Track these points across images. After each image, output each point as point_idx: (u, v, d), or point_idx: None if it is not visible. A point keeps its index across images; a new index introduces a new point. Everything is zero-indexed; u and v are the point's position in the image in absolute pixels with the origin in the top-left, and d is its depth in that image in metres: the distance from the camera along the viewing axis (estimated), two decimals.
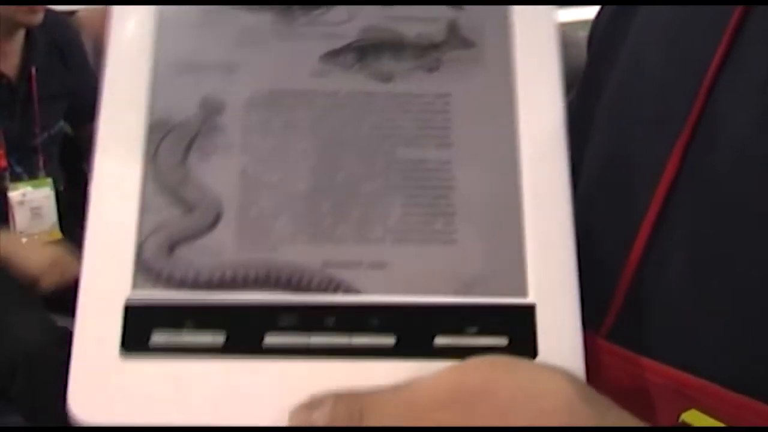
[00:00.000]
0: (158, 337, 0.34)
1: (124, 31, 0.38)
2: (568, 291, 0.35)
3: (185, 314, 0.34)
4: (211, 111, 0.37)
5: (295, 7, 0.38)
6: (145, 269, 0.35)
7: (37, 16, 1.73)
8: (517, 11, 0.39)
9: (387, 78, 0.37)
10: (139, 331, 0.34)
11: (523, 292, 0.35)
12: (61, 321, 1.70)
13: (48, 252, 1.69)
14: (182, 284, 0.34)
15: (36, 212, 1.79)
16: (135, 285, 0.34)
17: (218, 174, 0.36)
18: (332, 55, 0.37)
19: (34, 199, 1.79)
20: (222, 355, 0.34)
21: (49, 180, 1.81)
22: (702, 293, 0.39)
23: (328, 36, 0.38)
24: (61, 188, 1.86)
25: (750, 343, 0.37)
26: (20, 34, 1.77)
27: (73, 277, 1.66)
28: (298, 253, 0.35)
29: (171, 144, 0.36)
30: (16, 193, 1.78)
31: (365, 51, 0.38)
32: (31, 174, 1.81)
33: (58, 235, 1.79)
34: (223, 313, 0.34)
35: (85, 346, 0.34)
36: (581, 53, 0.52)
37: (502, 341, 0.34)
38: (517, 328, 0.34)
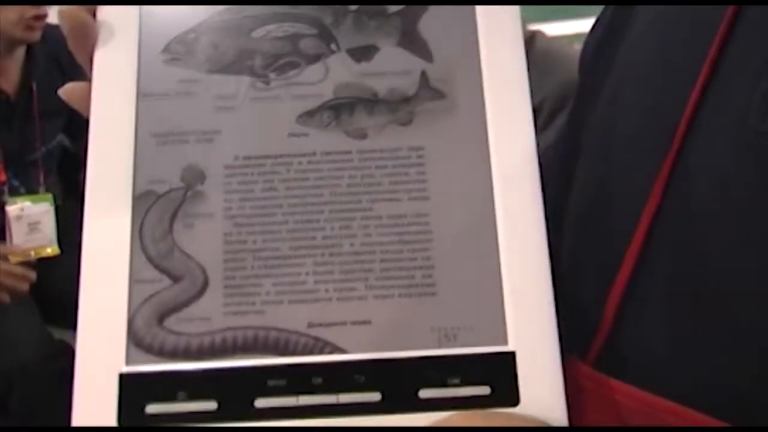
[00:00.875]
0: (153, 408, 0.35)
1: (105, 103, 0.39)
2: (548, 336, 0.36)
3: (177, 385, 0.35)
4: (193, 180, 0.38)
5: (270, 71, 0.39)
6: (136, 342, 0.36)
7: (35, 33, 1.74)
8: (486, 58, 0.39)
9: (362, 135, 0.38)
10: (134, 403, 0.35)
11: (503, 340, 0.36)
12: (58, 333, 1.70)
13: None
14: (173, 355, 0.36)
15: (34, 227, 1.79)
16: (128, 358, 0.36)
17: (202, 242, 0.37)
18: (308, 116, 0.38)
19: (32, 213, 1.79)
20: (215, 422, 0.35)
21: (49, 195, 1.81)
22: (683, 326, 0.40)
23: (303, 97, 0.39)
24: (60, 203, 1.86)
25: (730, 373, 0.38)
26: (20, 50, 1.78)
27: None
28: (284, 316, 0.36)
29: (156, 215, 0.37)
30: (14, 207, 1.78)
31: (340, 109, 0.39)
32: (29, 188, 1.82)
33: (56, 250, 1.79)
34: (213, 381, 0.35)
35: (83, 419, 0.35)
36: (575, 68, 0.53)
37: (484, 390, 0.35)
38: (498, 377, 0.36)
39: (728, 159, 0.39)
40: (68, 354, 1.70)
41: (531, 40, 2.01)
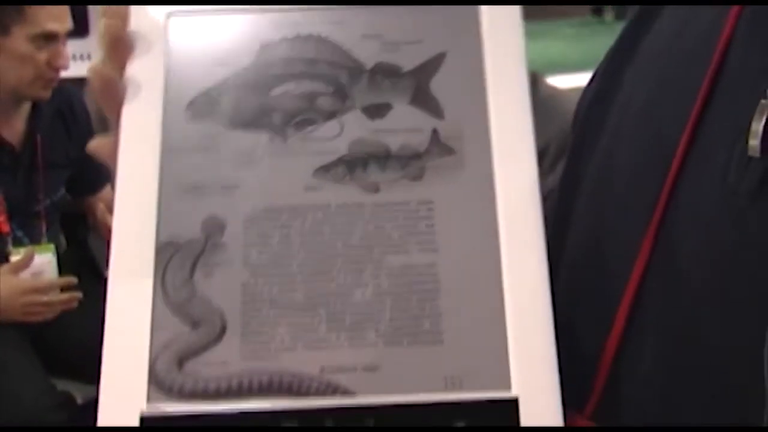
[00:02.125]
0: None
1: (132, 157, 0.41)
2: (550, 382, 0.38)
3: (196, 425, 0.37)
4: (213, 230, 0.39)
5: (288, 127, 0.41)
6: (157, 383, 0.37)
7: (47, 92, 1.77)
8: (494, 117, 0.41)
9: (374, 188, 0.40)
10: None
11: (507, 386, 0.37)
12: (61, 385, 1.70)
13: (5, 287, 1.70)
14: (192, 396, 0.37)
15: (37, 276, 1.81)
16: (149, 398, 0.37)
17: (222, 289, 0.39)
18: (324, 170, 0.40)
19: (35, 264, 1.81)
20: None
21: (52, 246, 1.83)
22: (676, 378, 0.41)
23: (319, 152, 0.40)
24: (61, 252, 1.88)
25: (722, 423, 0.39)
26: (27, 104, 1.81)
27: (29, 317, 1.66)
28: (298, 361, 0.38)
29: (178, 263, 0.39)
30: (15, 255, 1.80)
31: (354, 164, 0.40)
32: (32, 239, 1.83)
33: None
34: (230, 422, 0.37)
35: None
36: None
37: None
38: (502, 421, 0.37)
39: (711, 216, 0.41)
40: (71, 405, 1.70)
41: (534, 83, 2.03)
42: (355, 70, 0.42)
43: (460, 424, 0.37)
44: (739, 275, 0.39)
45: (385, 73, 0.42)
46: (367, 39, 0.42)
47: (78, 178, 1.89)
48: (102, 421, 0.37)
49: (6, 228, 1.80)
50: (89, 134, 1.89)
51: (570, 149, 0.53)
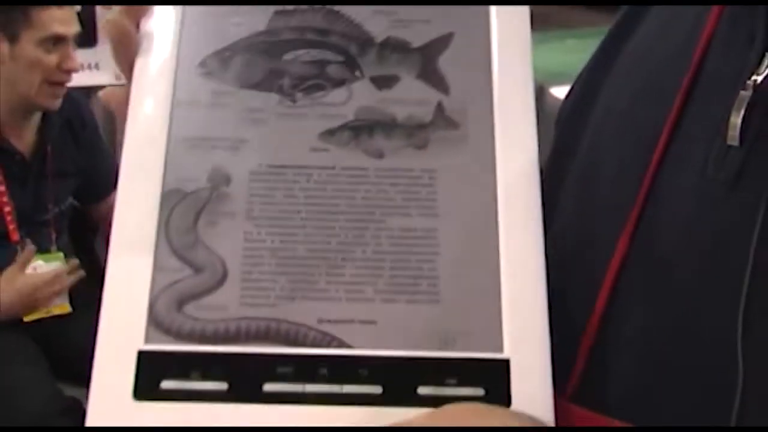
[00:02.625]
0: (167, 384, 0.37)
1: (142, 107, 0.42)
2: (540, 346, 0.39)
3: (192, 365, 0.38)
4: (218, 182, 0.41)
5: (297, 91, 0.42)
6: (156, 323, 0.38)
7: (56, 101, 1.78)
8: (498, 95, 0.43)
9: (379, 155, 0.41)
10: (151, 379, 0.37)
11: (499, 348, 0.39)
12: (69, 391, 1.71)
13: (18, 284, 1.73)
14: (190, 337, 0.38)
15: None
16: (147, 337, 0.38)
17: (224, 239, 0.40)
18: (330, 134, 0.42)
19: (44, 272, 1.82)
20: (225, 401, 0.37)
21: (61, 254, 1.84)
22: (656, 357, 0.43)
23: (326, 116, 0.42)
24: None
25: (701, 404, 0.40)
26: (37, 114, 1.83)
27: (44, 305, 1.71)
28: (296, 311, 0.39)
29: (183, 210, 0.40)
30: (28, 267, 1.81)
31: (360, 130, 0.42)
32: (41, 247, 1.85)
33: (68, 308, 1.81)
34: (226, 364, 0.38)
35: (101, 390, 0.38)
36: None
37: (478, 392, 0.38)
38: (492, 381, 0.38)
39: (690, 208, 0.42)
40: (77, 410, 1.71)
41: (540, 94, 2.05)
42: (366, 42, 0.43)
43: (452, 381, 0.38)
44: (715, 263, 0.41)
45: (395, 47, 0.43)
46: (378, 14, 0.44)
47: (85, 185, 1.90)
48: (99, 356, 0.38)
49: (16, 236, 1.81)
50: (97, 143, 1.92)
51: (553, 147, 0.55)
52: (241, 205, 0.40)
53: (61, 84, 1.77)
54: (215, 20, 0.43)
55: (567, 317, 0.46)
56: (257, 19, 0.43)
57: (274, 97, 0.42)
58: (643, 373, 0.43)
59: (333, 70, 0.43)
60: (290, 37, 0.43)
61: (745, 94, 0.41)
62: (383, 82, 0.43)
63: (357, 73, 0.43)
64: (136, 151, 0.41)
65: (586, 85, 0.53)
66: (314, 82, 0.42)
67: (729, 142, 0.41)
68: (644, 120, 0.47)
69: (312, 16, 0.43)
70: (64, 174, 1.85)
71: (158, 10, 0.43)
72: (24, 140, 1.82)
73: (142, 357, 0.38)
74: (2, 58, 1.73)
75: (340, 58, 0.43)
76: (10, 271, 1.73)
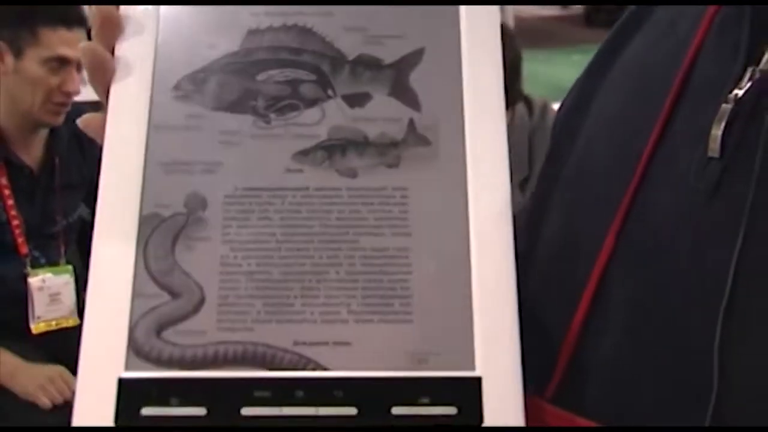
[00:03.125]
0: (148, 411, 0.38)
1: (119, 132, 0.42)
2: (512, 364, 0.39)
3: (171, 391, 0.38)
4: (195, 207, 0.41)
5: (271, 111, 0.42)
6: (136, 350, 0.39)
7: (59, 117, 1.80)
8: (469, 111, 0.43)
9: (352, 174, 0.42)
10: (131, 405, 0.38)
11: (471, 366, 0.39)
12: None
13: (44, 371, 1.74)
14: (169, 363, 0.39)
15: (54, 298, 1.83)
16: (127, 364, 0.39)
17: (201, 263, 0.40)
18: (303, 154, 0.42)
19: (53, 285, 1.83)
20: (205, 426, 0.38)
21: (70, 267, 1.85)
22: (633, 361, 0.43)
23: (300, 137, 0.42)
24: (79, 273, 1.90)
25: (676, 407, 0.41)
26: (45, 128, 1.85)
27: (71, 395, 1.71)
28: (272, 334, 0.39)
29: (160, 236, 0.40)
30: (36, 279, 1.82)
31: (333, 150, 0.42)
32: (50, 260, 1.86)
33: (77, 321, 1.82)
34: (204, 389, 0.38)
35: (83, 417, 0.38)
36: None
37: (451, 410, 0.38)
38: (465, 399, 0.38)
39: (673, 218, 0.43)
40: None
41: (543, 111, 2.06)
42: (338, 60, 0.44)
43: (425, 400, 0.38)
44: (696, 273, 0.41)
45: (366, 64, 0.44)
46: (350, 32, 0.44)
47: (94, 197, 1.91)
48: (81, 384, 0.39)
49: (24, 249, 1.82)
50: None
51: (548, 154, 0.55)
52: (217, 229, 0.41)
53: (62, 104, 1.78)
54: (190, 42, 0.44)
55: (550, 320, 0.47)
56: (231, 39, 0.44)
57: (248, 119, 0.42)
58: (621, 377, 0.43)
59: (306, 90, 0.43)
60: (263, 57, 0.43)
61: (727, 107, 0.42)
62: (355, 100, 0.43)
63: (329, 92, 0.43)
64: (113, 175, 0.42)
65: (581, 93, 0.54)
66: (287, 102, 0.43)
67: (709, 154, 0.42)
68: (633, 128, 0.47)
69: (285, 35, 0.44)
70: (72, 187, 1.87)
71: (132, 33, 0.44)
72: (31, 154, 1.84)
73: (123, 384, 0.38)
74: (6, 70, 1.74)
75: (313, 77, 0.43)
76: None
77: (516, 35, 2.32)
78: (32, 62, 1.74)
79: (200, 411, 0.38)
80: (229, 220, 0.41)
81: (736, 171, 0.41)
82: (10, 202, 1.80)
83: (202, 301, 0.39)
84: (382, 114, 0.43)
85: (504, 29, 0.54)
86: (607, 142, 0.49)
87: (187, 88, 0.43)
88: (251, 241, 0.40)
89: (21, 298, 1.80)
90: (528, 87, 2.14)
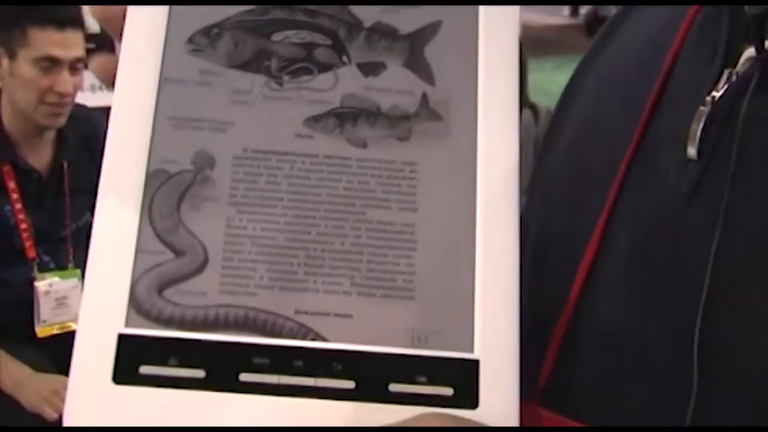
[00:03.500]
0: (146, 370, 0.37)
1: (128, 86, 0.41)
2: (510, 348, 0.39)
3: (170, 351, 0.37)
4: (203, 164, 0.40)
5: (284, 73, 0.42)
6: (136, 307, 0.38)
7: (59, 119, 1.80)
8: (483, 89, 0.42)
9: (362, 144, 0.41)
10: (129, 363, 0.37)
11: (470, 348, 0.38)
12: None
13: (47, 383, 1.73)
14: (169, 323, 0.38)
15: (61, 302, 1.83)
16: (128, 321, 0.38)
17: (206, 223, 0.39)
18: (315, 120, 0.41)
19: (60, 289, 1.84)
20: (202, 389, 0.37)
21: (77, 271, 1.86)
22: (616, 360, 0.44)
23: (312, 102, 0.41)
24: None
25: (665, 401, 0.41)
26: (51, 131, 1.85)
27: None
28: (274, 301, 0.38)
29: (166, 193, 0.40)
30: (43, 283, 1.83)
31: (345, 118, 0.41)
32: (59, 264, 1.86)
33: None
34: (203, 352, 0.38)
35: (81, 374, 0.37)
36: None
37: (447, 391, 0.38)
38: (461, 381, 0.38)
39: (653, 217, 0.44)
40: None
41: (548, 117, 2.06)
42: (354, 26, 0.43)
43: (422, 379, 0.38)
44: (675, 273, 0.42)
45: (383, 33, 0.43)
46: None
47: None
48: (80, 339, 0.38)
49: (32, 253, 1.83)
50: None
51: (539, 152, 0.56)
52: (224, 189, 0.40)
53: (57, 105, 1.78)
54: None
55: (537, 321, 0.46)
56: None
57: (261, 79, 0.42)
58: (606, 376, 0.44)
59: (320, 54, 0.42)
60: (280, 17, 0.43)
61: (704, 110, 0.42)
62: (369, 69, 0.42)
63: (344, 59, 0.42)
64: (121, 128, 0.41)
65: (569, 88, 0.55)
66: (301, 65, 0.42)
67: (688, 156, 0.42)
68: (615, 126, 0.48)
69: None
70: (81, 191, 1.87)
71: None
72: (40, 158, 1.84)
73: (122, 340, 0.38)
74: (3, 73, 1.75)
75: (329, 42, 0.43)
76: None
77: (523, 43, 2.33)
78: (24, 63, 1.74)
79: (199, 374, 0.37)
80: (236, 181, 0.40)
81: (714, 172, 0.41)
82: (18, 206, 1.81)
83: (205, 262, 0.39)
84: (395, 85, 0.42)
85: None
86: (589, 140, 0.49)
87: (201, 42, 0.42)
88: (258, 204, 0.40)
89: (27, 303, 1.81)
90: (535, 95, 2.15)
